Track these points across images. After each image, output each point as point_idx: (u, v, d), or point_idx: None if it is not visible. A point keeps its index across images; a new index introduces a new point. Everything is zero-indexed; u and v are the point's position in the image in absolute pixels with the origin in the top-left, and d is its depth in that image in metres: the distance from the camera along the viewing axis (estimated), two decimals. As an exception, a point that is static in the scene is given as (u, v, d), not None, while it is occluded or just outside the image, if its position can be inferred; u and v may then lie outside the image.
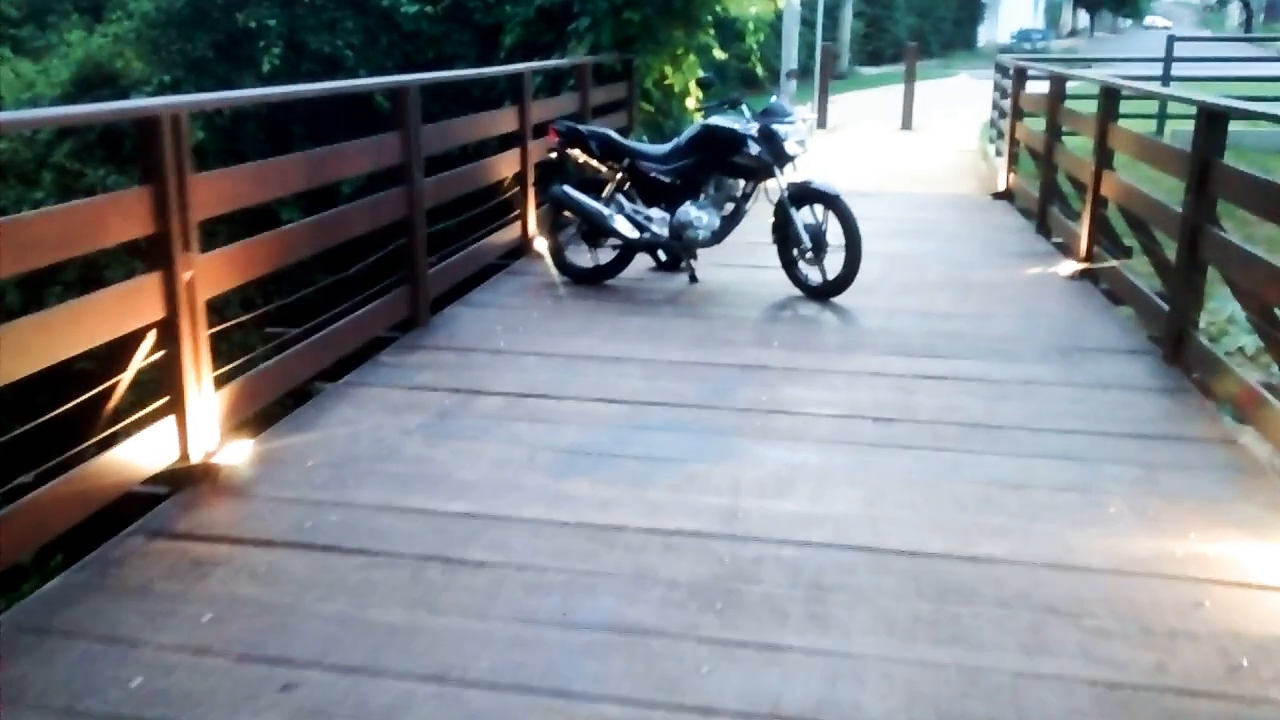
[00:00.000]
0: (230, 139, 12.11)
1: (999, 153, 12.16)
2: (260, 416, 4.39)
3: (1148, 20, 64.65)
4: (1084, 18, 64.28)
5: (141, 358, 3.54)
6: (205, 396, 3.69)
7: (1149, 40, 44.86)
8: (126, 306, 3.40)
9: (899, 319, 5.81)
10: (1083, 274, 6.80)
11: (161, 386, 3.61)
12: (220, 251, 3.82)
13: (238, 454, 3.79)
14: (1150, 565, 3.18)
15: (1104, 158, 6.66)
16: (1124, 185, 6.30)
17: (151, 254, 3.50)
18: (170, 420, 3.59)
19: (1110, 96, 6.67)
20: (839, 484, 3.73)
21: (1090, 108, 8.42)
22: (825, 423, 4.31)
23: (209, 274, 3.71)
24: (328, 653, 2.70)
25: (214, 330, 3.82)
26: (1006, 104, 11.78)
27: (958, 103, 21.47)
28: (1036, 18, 55.35)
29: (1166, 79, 13.08)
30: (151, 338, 3.53)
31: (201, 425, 3.67)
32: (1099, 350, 5.27)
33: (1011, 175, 10.21)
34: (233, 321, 4.21)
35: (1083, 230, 6.91)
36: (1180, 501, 3.61)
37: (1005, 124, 11.38)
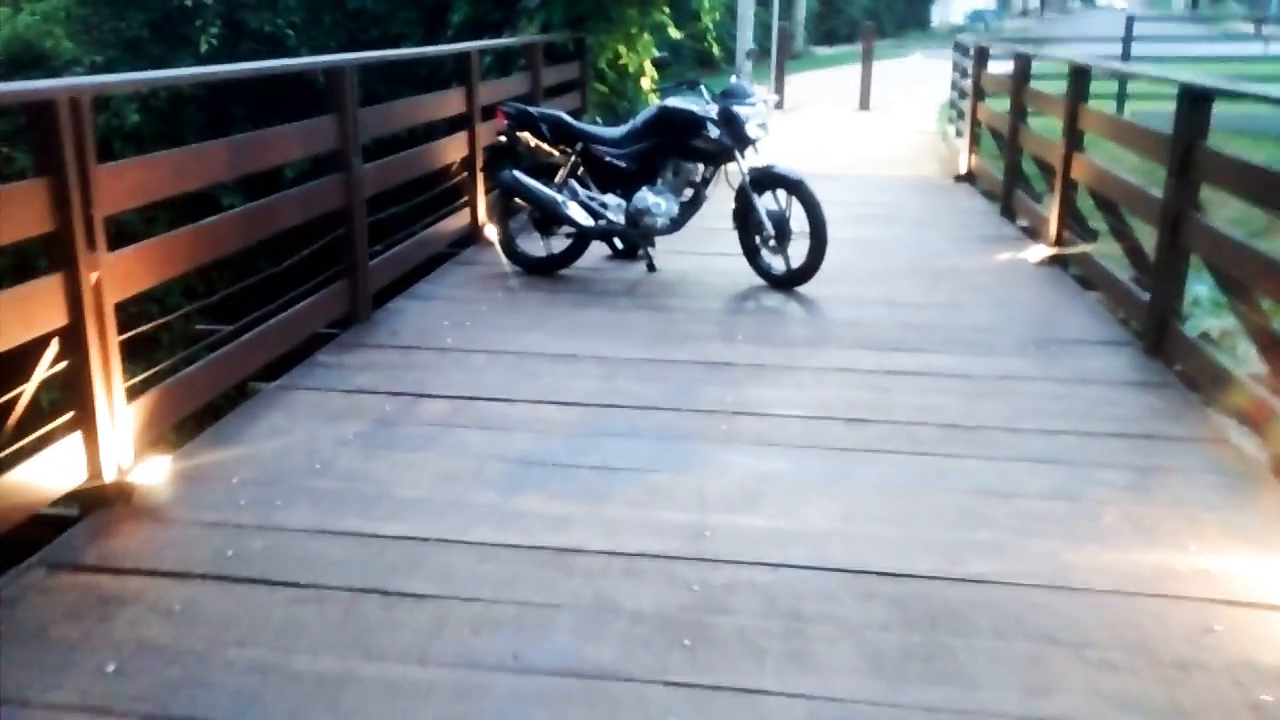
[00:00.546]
0: (168, 122, 11.64)
1: (959, 134, 11.96)
2: (185, 425, 4.05)
3: (1102, 0, 64.91)
4: (1035, -2, 64.47)
5: (44, 369, 3.18)
6: (117, 409, 3.33)
7: (1099, 20, 45.01)
8: (23, 313, 3.04)
9: (867, 310, 5.55)
10: (1053, 259, 6.58)
11: (67, 400, 3.26)
12: (131, 249, 3.46)
13: (155, 471, 3.44)
14: (1152, 584, 2.93)
15: (1074, 140, 6.43)
16: (1096, 168, 6.07)
17: (52, 253, 3.14)
18: (77, 437, 3.24)
19: (1080, 76, 6.43)
20: (812, 495, 3.45)
21: (1051, 88, 8.27)
22: (795, 425, 4.03)
23: (118, 274, 3.35)
24: (245, 712, 2.38)
25: (129, 335, 3.47)
26: (966, 84, 11.56)
27: (914, 83, 21.29)
28: (989, -3, 55.37)
29: (1126, 58, 12.91)
30: (54, 346, 3.18)
31: (114, 441, 3.32)
32: (1076, 342, 5.03)
33: (973, 157, 9.99)
34: (145, 328, 3.84)
35: (1052, 214, 6.68)
36: (1177, 509, 3.37)
37: (966, 105, 11.17)
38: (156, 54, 11.26)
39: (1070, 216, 6.60)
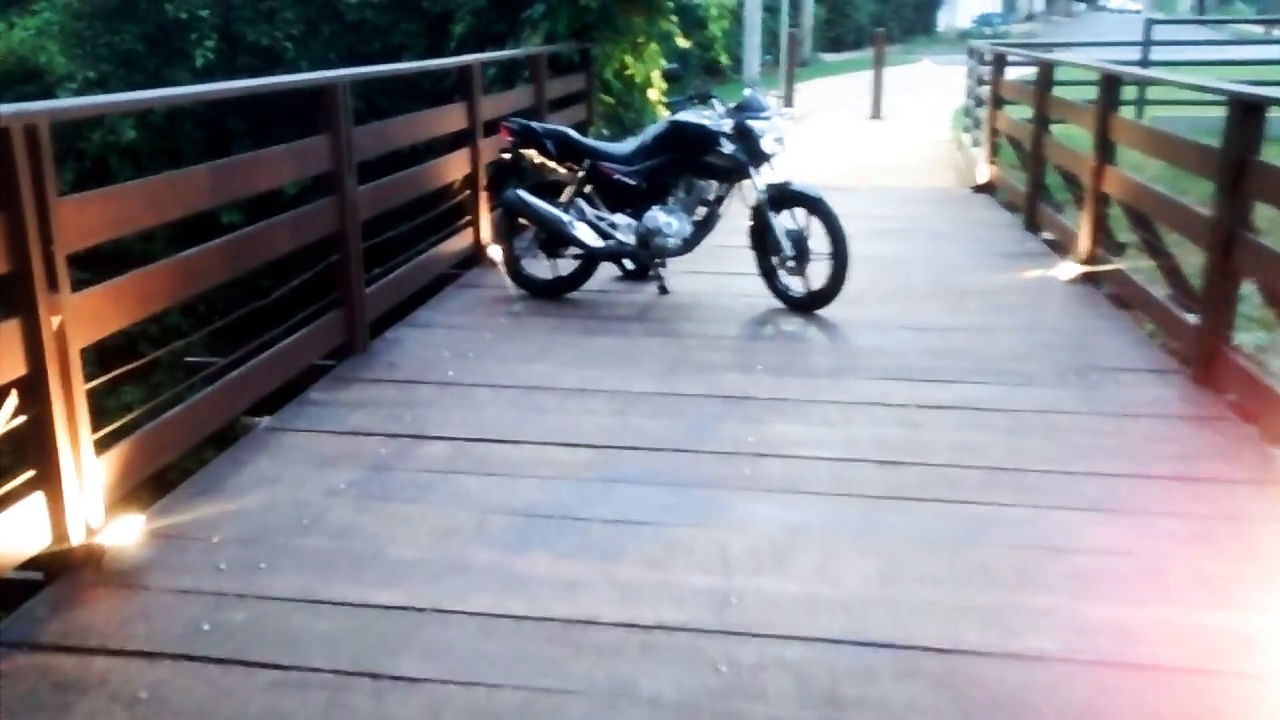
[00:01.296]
0: (166, 137, 11.41)
1: (976, 143, 11.67)
2: (167, 472, 3.75)
3: (1115, 3, 64.40)
4: (1040, 1, 64.13)
5: (2, 423, 2.89)
6: (85, 464, 3.04)
7: (1107, 23, 44.67)
8: (-24, 362, 2.76)
9: (892, 335, 5.24)
10: (1084, 277, 6.26)
11: (28, 456, 2.97)
12: (99, 289, 3.16)
13: (127, 531, 3.15)
14: (1232, 658, 2.62)
15: (1106, 151, 6.13)
16: (1131, 182, 5.76)
17: (8, 297, 2.85)
18: (39, 497, 2.94)
19: (1111, 85, 6.12)
20: (846, 551, 3.14)
21: (1070, 95, 7.98)
22: (823, 468, 3.72)
23: (85, 317, 3.06)
24: (212, 831, 2.08)
25: (96, 383, 3.18)
26: (983, 91, 11.28)
27: (924, 89, 21.01)
28: (995, 1, 55.06)
29: (1146, 63, 12.60)
30: (13, 399, 2.89)
31: (81, 499, 3.03)
32: (1119, 369, 4.72)
33: (992, 167, 9.69)
34: (114, 373, 3.54)
35: (1083, 230, 6.37)
36: (1250, 565, 3.06)
37: (982, 113, 10.88)
38: (151, 68, 11.02)
39: (1103, 232, 6.29)
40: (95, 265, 4.24)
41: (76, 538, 3.01)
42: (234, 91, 4.45)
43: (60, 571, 3.00)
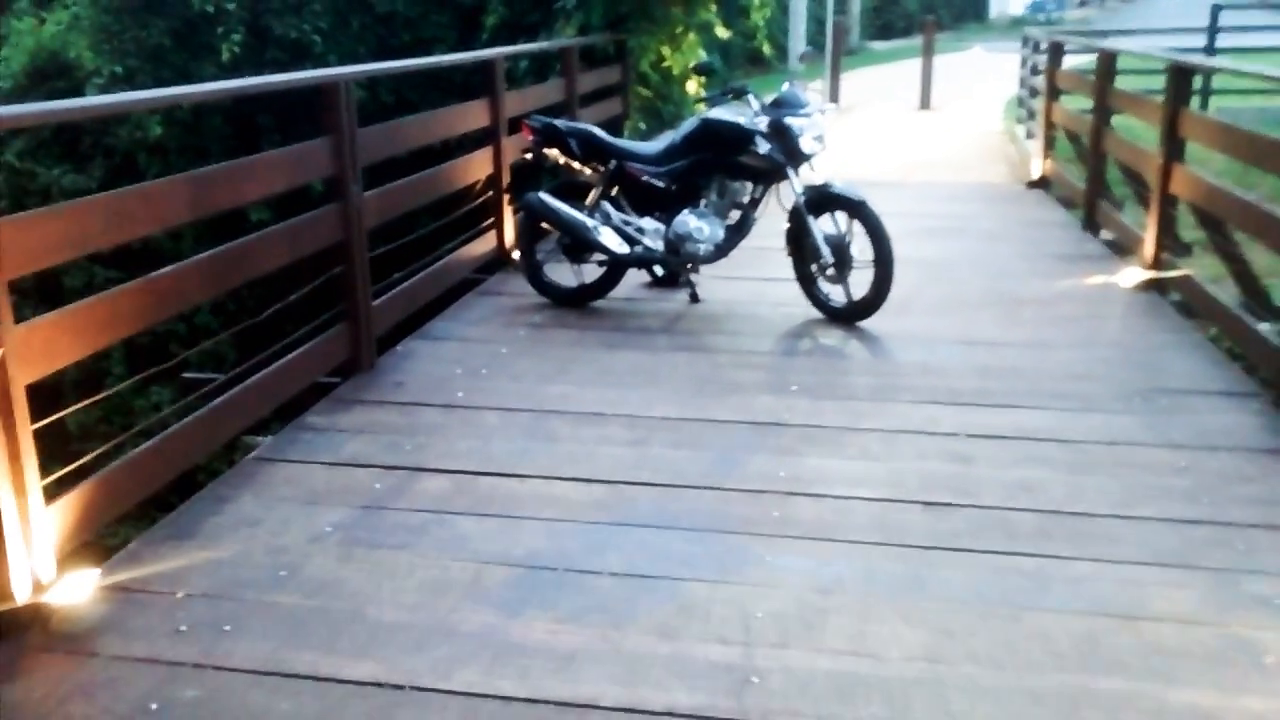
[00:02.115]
0: (192, 133, 11.20)
1: (1029, 135, 11.16)
2: (144, 508, 3.44)
3: None
4: (1096, -14, 62.73)
5: (-63, 468, 2.59)
6: (33, 512, 2.73)
7: (1165, 8, 43.43)
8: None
9: (940, 351, 4.83)
10: (1149, 284, 5.80)
11: (-33, 504, 2.66)
12: (50, 318, 2.84)
13: (82, 586, 2.83)
14: (1345, 765, 2.22)
15: (1174, 148, 5.66)
16: (1203, 183, 5.30)
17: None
18: (-22, 551, 2.64)
19: (1182, 77, 5.65)
20: (887, 617, 2.76)
21: (1127, 85, 7.48)
22: (861, 510, 3.34)
23: (33, 350, 2.74)
24: None
25: (45, 423, 2.87)
26: (1037, 81, 10.76)
27: (975, 79, 20.39)
28: (1048, -13, 53.89)
29: (1211, 50, 12.00)
30: (-52, 441, 2.58)
31: (28, 552, 2.72)
32: (1191, 392, 4.28)
33: (1047, 161, 9.19)
34: (66, 411, 3.22)
35: (1148, 232, 5.90)
36: (1356, 641, 2.64)
37: (1037, 104, 10.38)
38: (178, 63, 10.81)
39: (1169, 235, 5.82)
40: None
41: (21, 595, 2.71)
42: (233, 91, 4.13)
43: (3, 634, 2.69)
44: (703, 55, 9.91)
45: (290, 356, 4.19)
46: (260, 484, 3.56)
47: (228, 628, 2.73)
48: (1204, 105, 11.68)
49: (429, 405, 4.26)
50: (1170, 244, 5.81)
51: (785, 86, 5.37)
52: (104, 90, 10.85)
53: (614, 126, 9.47)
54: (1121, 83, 7.47)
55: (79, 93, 11.22)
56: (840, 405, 4.20)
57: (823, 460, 3.71)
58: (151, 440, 3.32)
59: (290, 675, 2.54)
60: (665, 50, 9.70)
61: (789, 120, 5.14)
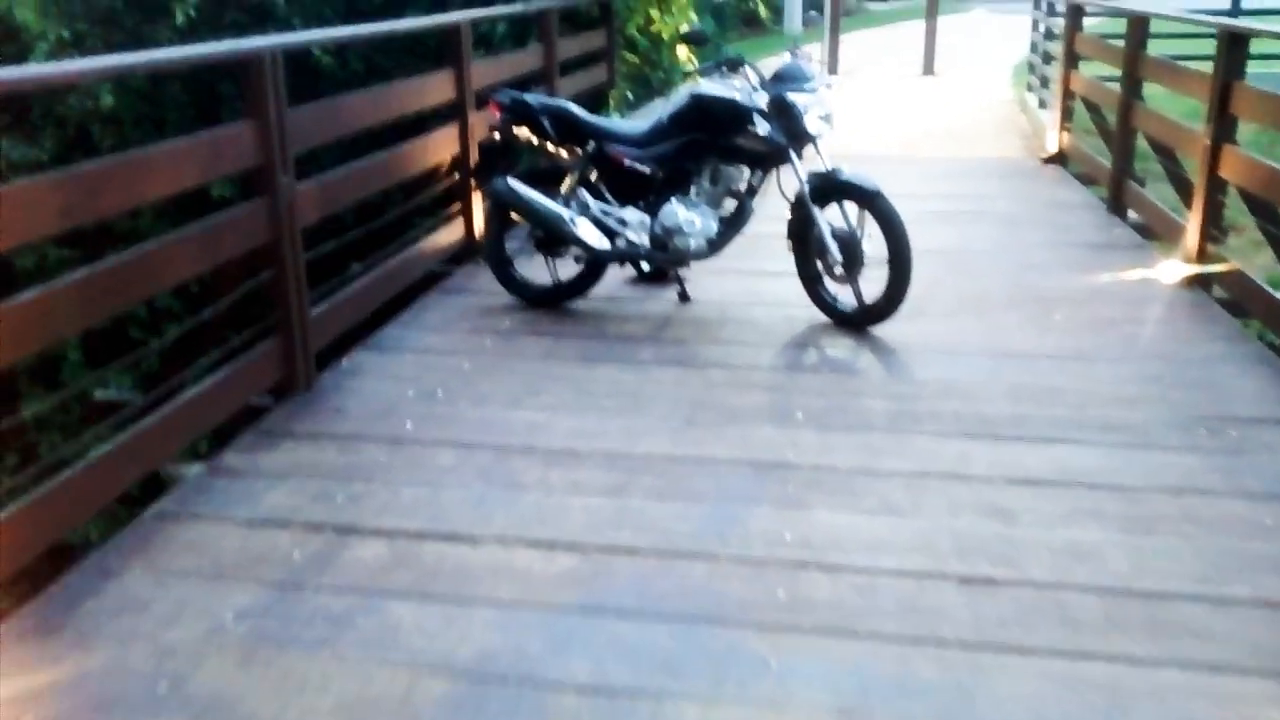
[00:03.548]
0: (148, 102, 10.43)
1: (1043, 104, 10.49)
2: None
3: None
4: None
5: None
6: None
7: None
8: None
9: (964, 364, 4.22)
10: (1193, 280, 5.18)
11: None
12: None
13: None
14: None
15: (1224, 128, 5.02)
16: (1264, 168, 4.67)
17: None
18: None
19: (1237, 44, 4.99)
20: (926, 754, 2.16)
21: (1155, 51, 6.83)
22: (887, 591, 2.73)
23: None
24: None
25: None
26: (1051, 46, 10.09)
27: (979, 42, 19.64)
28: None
29: (1236, 12, 11.31)
30: None
31: None
32: (1264, 421, 3.67)
33: (1064, 134, 8.52)
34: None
35: (1192, 221, 5.26)
36: None
37: (1051, 71, 9.71)
38: (130, 26, 10.06)
39: (1216, 226, 5.19)
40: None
41: None
42: (142, 66, 3.50)
43: None
44: (694, 18, 9.24)
45: (213, 378, 3.57)
46: (156, 550, 2.94)
47: (79, 776, 2.12)
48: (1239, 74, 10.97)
49: (371, 439, 3.62)
50: (1218, 234, 5.19)
51: (787, 58, 4.71)
52: (51, 57, 10.10)
53: (599, 96, 8.79)
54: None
55: (25, 59, 10.48)
56: (854, 439, 3.58)
57: (836, 515, 3.09)
58: (51, 482, 2.71)
59: None
60: (654, 12, 9.03)
61: (792, 96, 4.49)
